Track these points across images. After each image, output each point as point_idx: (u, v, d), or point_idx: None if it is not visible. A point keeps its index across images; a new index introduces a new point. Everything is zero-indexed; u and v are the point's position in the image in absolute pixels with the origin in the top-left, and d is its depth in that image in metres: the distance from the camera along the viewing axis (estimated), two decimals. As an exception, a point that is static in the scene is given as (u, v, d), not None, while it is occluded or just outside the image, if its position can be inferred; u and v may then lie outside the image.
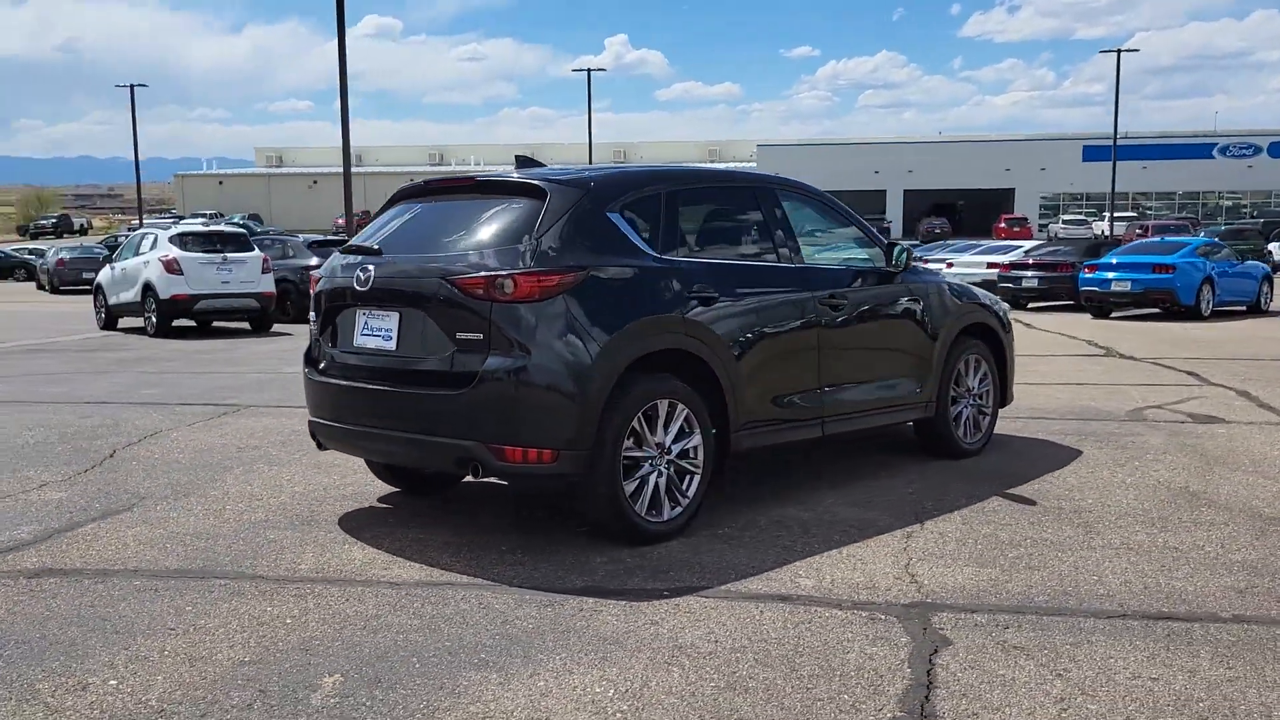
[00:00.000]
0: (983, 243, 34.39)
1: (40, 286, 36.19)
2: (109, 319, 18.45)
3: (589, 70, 52.24)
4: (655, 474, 5.06)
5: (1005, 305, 7.60)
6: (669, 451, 5.12)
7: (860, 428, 6.36)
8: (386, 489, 6.14)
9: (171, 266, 16.74)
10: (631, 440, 4.97)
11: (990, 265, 26.38)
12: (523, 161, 5.78)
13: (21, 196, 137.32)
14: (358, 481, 6.29)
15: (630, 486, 4.96)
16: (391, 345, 5.07)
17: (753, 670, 3.60)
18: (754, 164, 78.62)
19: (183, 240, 17.37)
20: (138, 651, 3.78)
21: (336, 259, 5.57)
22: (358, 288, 5.17)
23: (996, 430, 7.44)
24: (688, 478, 5.23)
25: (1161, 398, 9.50)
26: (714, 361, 5.28)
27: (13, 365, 13.20)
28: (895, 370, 6.45)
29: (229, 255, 17.17)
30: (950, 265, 28.99)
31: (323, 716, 3.25)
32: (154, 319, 16.90)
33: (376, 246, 5.30)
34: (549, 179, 5.17)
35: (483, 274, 4.77)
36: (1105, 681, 3.50)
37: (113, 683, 3.52)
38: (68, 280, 33.85)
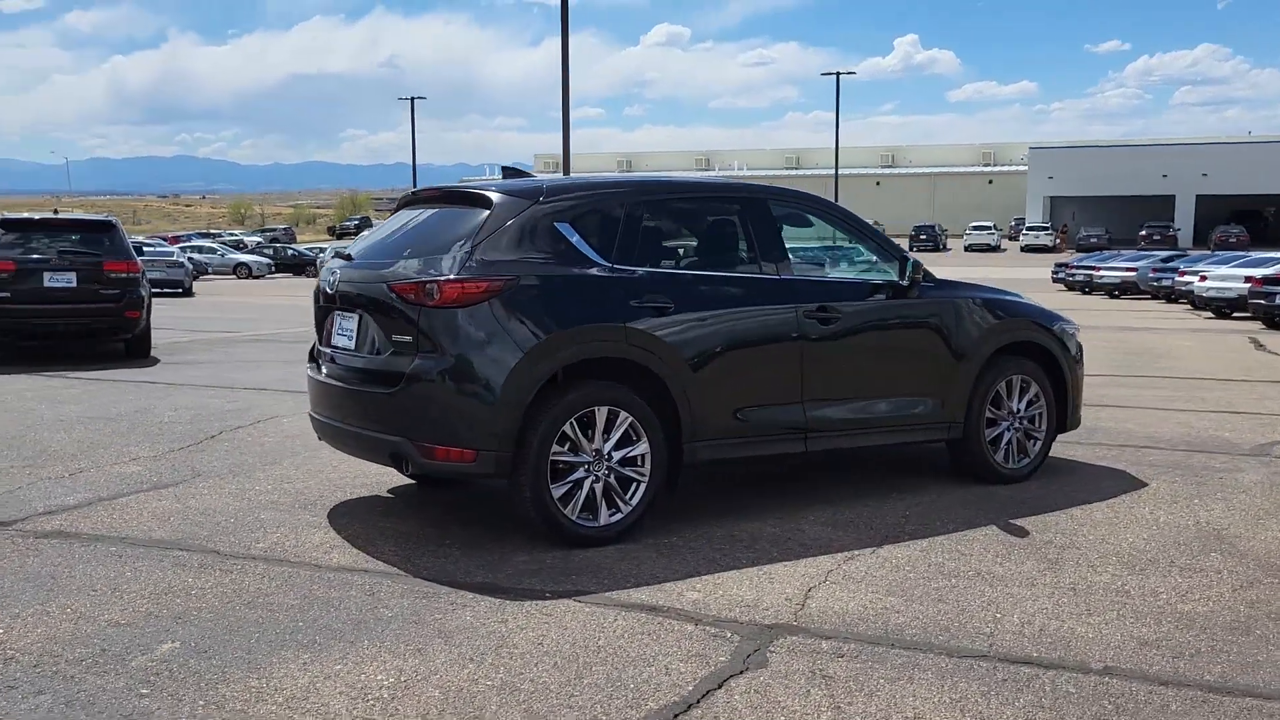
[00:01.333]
0: (1257, 254, 31.50)
1: None
2: None
3: (837, 74, 51.56)
4: (591, 479, 5.17)
5: (1074, 326, 7.11)
6: (609, 458, 5.21)
7: (861, 445, 6.19)
8: (401, 480, 6.52)
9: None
10: (566, 445, 5.11)
11: (1246, 280, 24.13)
12: (509, 173, 6.01)
13: (340, 200, 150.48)
14: (387, 471, 6.70)
15: (560, 490, 5.10)
16: (352, 345, 5.44)
17: (540, 672, 3.70)
18: (1024, 167, 74.99)
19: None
20: (46, 606, 4.31)
21: (329, 262, 6.02)
22: (328, 290, 5.58)
23: (1072, 456, 7.00)
24: (633, 485, 5.30)
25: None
26: (663, 371, 5.32)
27: (228, 352, 14.69)
28: (906, 387, 6.23)
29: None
30: (1204, 279, 26.81)
31: (126, 677, 3.63)
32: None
33: (349, 253, 5.70)
34: (501, 189, 5.39)
35: (413, 280, 5.05)
36: (876, 718, 3.36)
37: (0, 630, 4.05)
38: None
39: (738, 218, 5.88)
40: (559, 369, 5.08)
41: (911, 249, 71.44)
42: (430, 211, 5.65)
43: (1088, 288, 37.71)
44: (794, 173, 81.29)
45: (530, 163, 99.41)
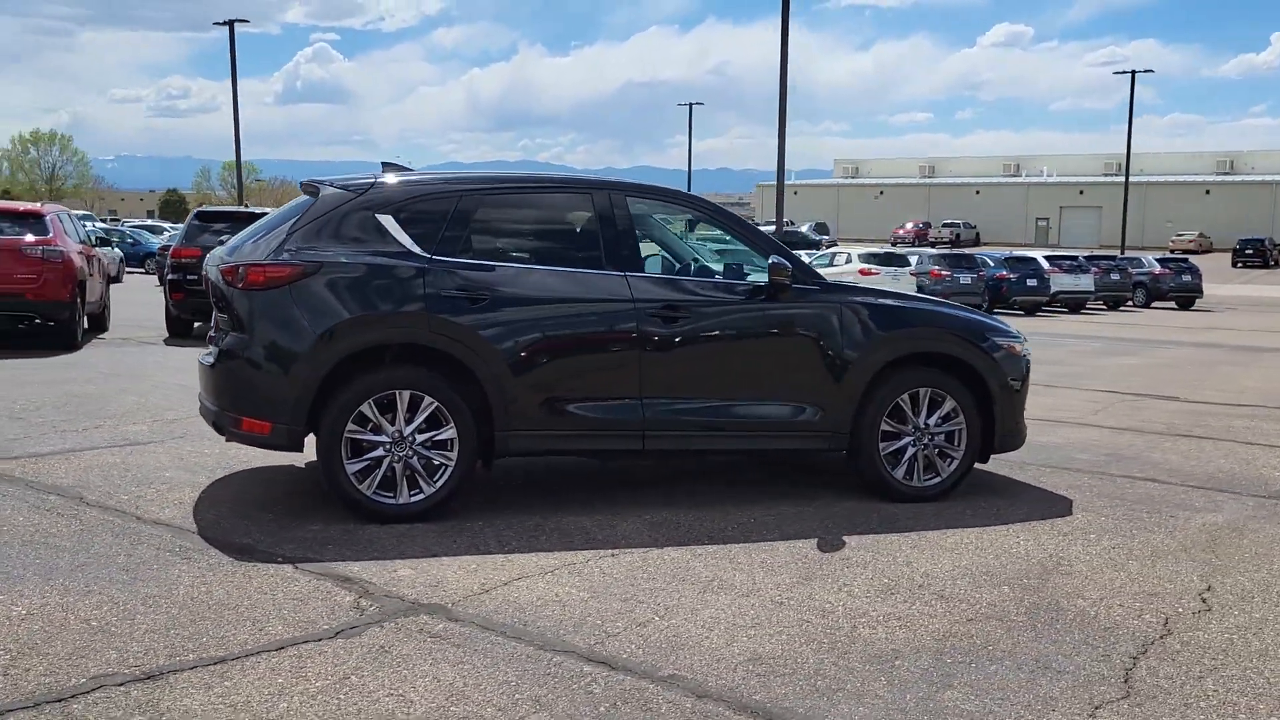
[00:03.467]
0: None
1: None
2: None
3: (1132, 72, 47.67)
4: (390, 459, 5.46)
5: (1016, 340, 6.58)
6: (411, 440, 5.48)
7: (722, 447, 6.10)
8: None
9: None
10: (368, 426, 5.43)
11: None
12: (387, 167, 6.32)
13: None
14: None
15: (356, 467, 5.43)
16: (213, 327, 5.99)
17: (157, 614, 4.08)
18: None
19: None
20: (-118, 527, 5.14)
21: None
22: (208, 276, 6.12)
23: (1044, 483, 6.67)
24: (440, 468, 5.54)
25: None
26: (471, 360, 5.53)
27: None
28: (774, 392, 6.05)
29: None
30: None
31: None
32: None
33: (225, 239, 6.26)
34: (334, 183, 5.77)
35: (229, 264, 5.54)
36: (388, 688, 3.49)
37: None
38: None
39: (585, 214, 5.95)
40: (352, 352, 5.40)
41: (1235, 264, 65.01)
42: (298, 201, 6.11)
43: None
44: (1108, 179, 75.98)
45: (830, 167, 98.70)
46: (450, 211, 5.73)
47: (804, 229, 68.15)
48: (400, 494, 5.50)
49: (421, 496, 5.52)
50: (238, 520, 5.48)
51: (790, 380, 6.07)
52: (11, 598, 4.26)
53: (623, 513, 5.82)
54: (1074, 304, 32.20)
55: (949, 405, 6.31)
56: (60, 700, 3.35)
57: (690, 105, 61.52)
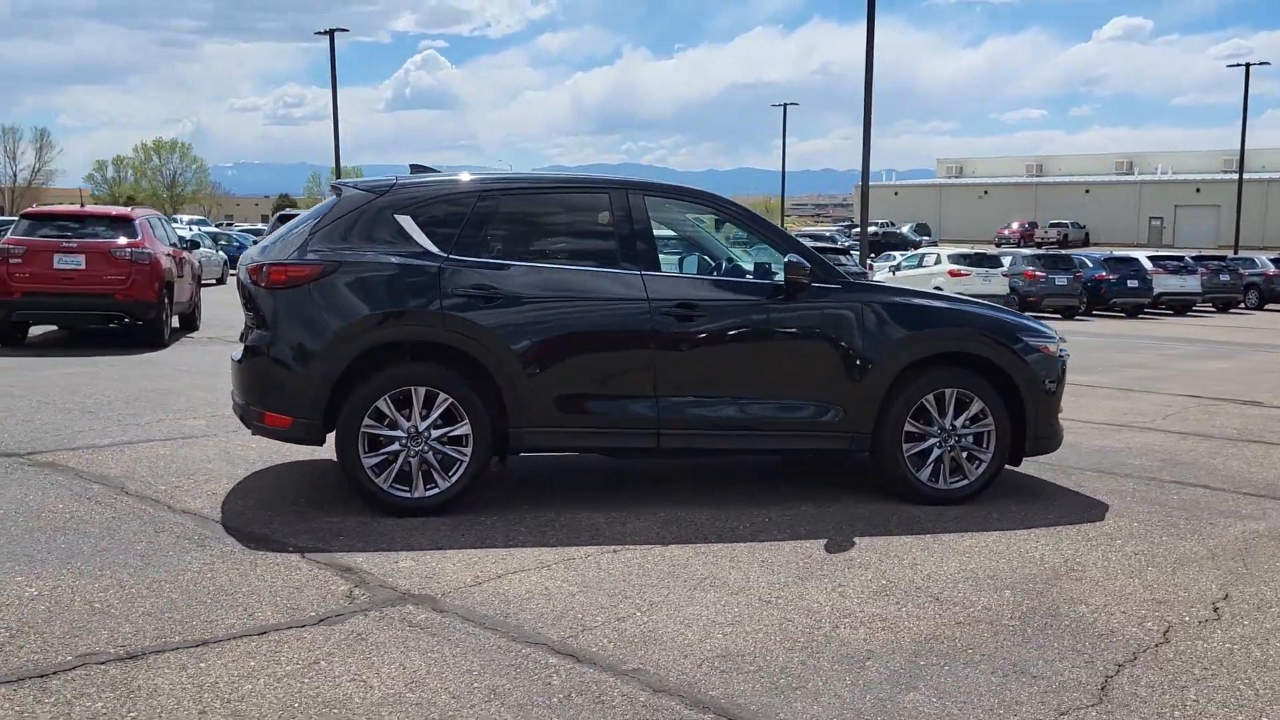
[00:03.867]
0: None
1: None
2: None
3: (1246, 65, 45.71)
4: (406, 454, 5.59)
5: (1050, 340, 6.42)
6: (426, 435, 5.60)
7: (739, 447, 6.07)
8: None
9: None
10: (384, 421, 5.57)
11: None
12: (415, 169, 6.45)
13: (765, 205, 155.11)
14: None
15: (373, 461, 5.57)
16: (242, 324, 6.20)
17: (160, 596, 4.25)
18: None
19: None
20: (-68, 512, 5.46)
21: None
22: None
23: (1092, 489, 6.60)
24: (455, 463, 5.65)
25: None
26: (484, 357, 5.63)
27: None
28: (793, 391, 6.02)
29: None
30: None
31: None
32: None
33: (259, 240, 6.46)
34: (357, 184, 5.92)
35: (256, 263, 5.73)
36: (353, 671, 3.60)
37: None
38: None
39: (602, 213, 5.99)
40: (368, 349, 5.54)
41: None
42: (325, 203, 6.29)
43: None
44: (1227, 176, 73.08)
45: (934, 167, 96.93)
46: (468, 212, 5.83)
47: (904, 230, 67.14)
48: (416, 488, 5.62)
49: (436, 491, 5.63)
50: (261, 511, 5.67)
51: (809, 380, 6.03)
52: (29, 579, 4.48)
53: (638, 510, 5.85)
54: (1179, 306, 31.06)
55: (976, 407, 6.19)
56: (42, 676, 3.53)
57: (785, 106, 61.10)
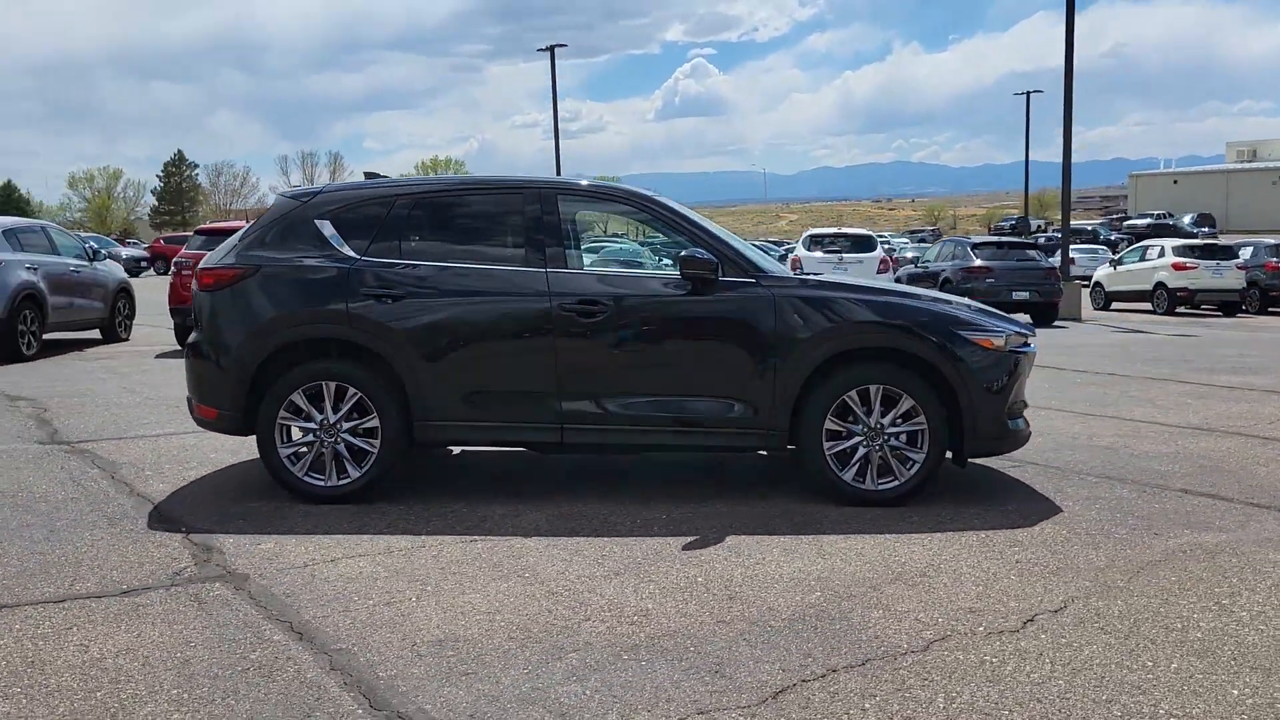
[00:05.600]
0: None
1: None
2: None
3: None
4: (319, 444, 5.97)
5: (1000, 332, 6.02)
6: (338, 428, 5.96)
7: (647, 442, 6.05)
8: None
9: (794, 266, 18.79)
10: (301, 414, 5.97)
11: None
12: (368, 176, 6.75)
13: (1042, 199, 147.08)
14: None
15: (288, 450, 5.99)
16: None
17: (44, 563, 4.79)
18: None
19: (811, 241, 19.27)
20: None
21: None
22: None
23: (1063, 494, 6.30)
24: (367, 455, 5.98)
25: None
26: (387, 353, 5.93)
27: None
28: (701, 388, 5.94)
29: (845, 255, 18.57)
30: None
31: None
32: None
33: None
34: (283, 193, 6.35)
35: (199, 267, 6.26)
36: (97, 640, 3.99)
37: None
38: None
39: (514, 214, 6.13)
40: (280, 346, 5.96)
41: None
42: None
43: None
44: None
45: (1223, 152, 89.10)
46: (385, 216, 6.14)
47: (1185, 221, 62.27)
48: (330, 477, 5.98)
49: (348, 480, 5.98)
50: (208, 495, 6.19)
51: (715, 376, 5.94)
52: (-62, 546, 5.17)
53: (544, 504, 5.96)
54: None
55: (907, 404, 5.90)
56: None
57: (1027, 94, 57.92)
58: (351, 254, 6.05)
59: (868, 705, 3.45)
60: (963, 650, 3.90)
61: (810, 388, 5.91)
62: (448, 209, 6.28)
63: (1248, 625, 4.14)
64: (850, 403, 5.91)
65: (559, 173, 40.21)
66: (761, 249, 7.50)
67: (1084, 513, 5.83)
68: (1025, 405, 6.37)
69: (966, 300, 6.64)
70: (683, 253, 5.90)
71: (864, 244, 18.94)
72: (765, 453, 6.68)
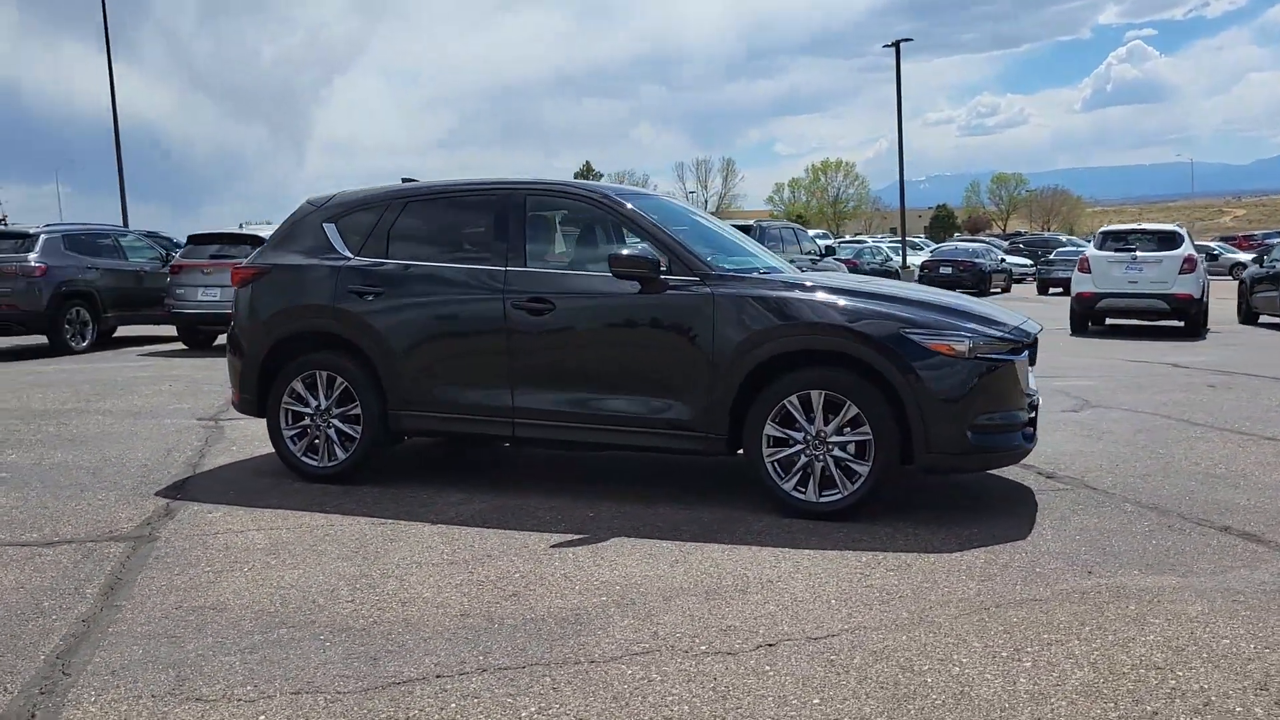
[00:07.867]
0: None
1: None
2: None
3: None
4: (314, 428, 6.54)
5: (961, 340, 5.40)
6: (329, 413, 6.49)
7: (593, 440, 6.02)
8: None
9: (1082, 265, 17.21)
10: (299, 400, 6.57)
11: None
12: (405, 181, 7.17)
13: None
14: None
15: (291, 432, 6.60)
16: None
17: (25, 510, 5.73)
18: None
19: (1104, 238, 17.52)
20: None
21: None
22: None
23: (1056, 517, 5.75)
24: (353, 439, 6.47)
25: None
26: (365, 346, 6.37)
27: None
28: (645, 387, 5.84)
29: (1140, 253, 16.73)
30: None
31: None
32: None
33: None
34: (309, 200, 6.93)
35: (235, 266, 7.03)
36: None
37: None
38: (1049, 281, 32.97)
39: (488, 214, 6.33)
40: (283, 337, 6.57)
41: None
42: None
43: None
44: None
45: None
46: (378, 219, 6.58)
47: None
48: (323, 458, 6.52)
49: (336, 462, 6.48)
50: (228, 470, 6.97)
51: (652, 376, 5.81)
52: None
53: (494, 495, 6.13)
54: None
55: (851, 411, 5.48)
56: None
57: None
58: (346, 255, 6.55)
59: (471, 704, 3.38)
60: (646, 665, 3.67)
61: (748, 391, 5.64)
62: (429, 212, 6.58)
63: (991, 679, 3.55)
64: (791, 408, 5.58)
65: (901, 176, 39.11)
66: (821, 250, 7.04)
67: (1045, 543, 5.11)
68: (1025, 418, 5.67)
69: (966, 300, 6.01)
70: (610, 252, 5.86)
71: (1168, 241, 16.92)
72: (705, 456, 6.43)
